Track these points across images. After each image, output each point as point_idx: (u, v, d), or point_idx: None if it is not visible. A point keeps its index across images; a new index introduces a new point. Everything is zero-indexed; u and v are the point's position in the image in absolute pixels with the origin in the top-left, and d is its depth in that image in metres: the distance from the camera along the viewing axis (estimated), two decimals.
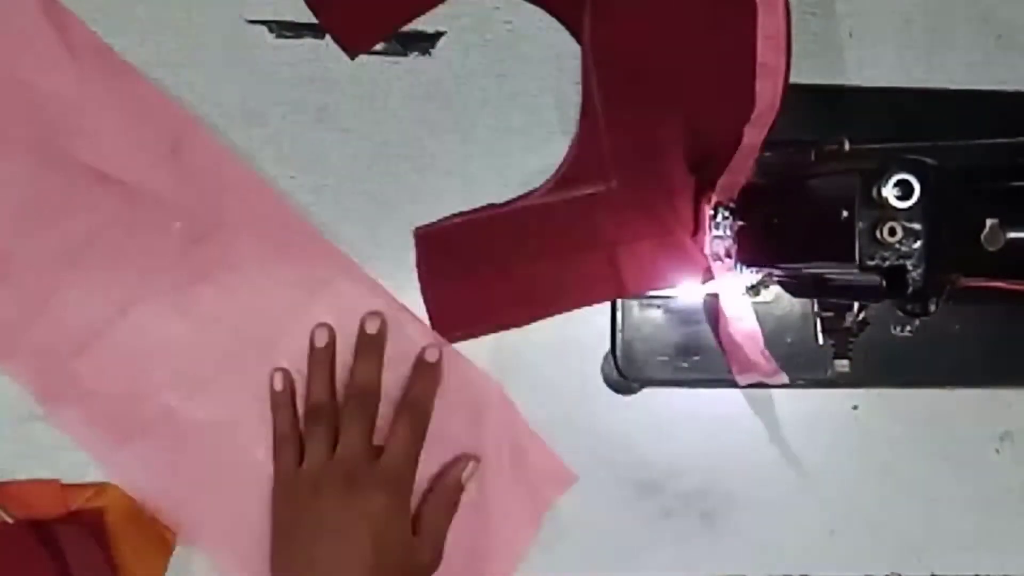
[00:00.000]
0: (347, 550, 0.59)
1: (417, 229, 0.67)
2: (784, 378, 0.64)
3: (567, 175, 0.67)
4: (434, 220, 0.67)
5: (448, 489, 0.65)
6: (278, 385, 0.65)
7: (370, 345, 0.65)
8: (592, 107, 0.67)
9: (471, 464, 0.65)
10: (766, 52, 0.62)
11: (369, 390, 0.64)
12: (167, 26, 0.66)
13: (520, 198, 0.67)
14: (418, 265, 0.67)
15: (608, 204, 0.66)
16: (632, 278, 0.67)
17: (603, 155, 0.66)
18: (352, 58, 0.67)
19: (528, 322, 0.67)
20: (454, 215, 0.67)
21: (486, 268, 0.66)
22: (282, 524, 0.63)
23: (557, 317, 0.68)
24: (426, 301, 0.67)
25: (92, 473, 0.65)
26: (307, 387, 0.65)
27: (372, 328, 0.65)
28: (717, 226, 0.66)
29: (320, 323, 0.65)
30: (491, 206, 0.67)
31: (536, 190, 0.67)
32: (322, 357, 0.65)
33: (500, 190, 0.67)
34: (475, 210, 0.67)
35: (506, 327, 0.67)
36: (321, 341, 0.65)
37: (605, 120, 0.66)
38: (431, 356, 0.66)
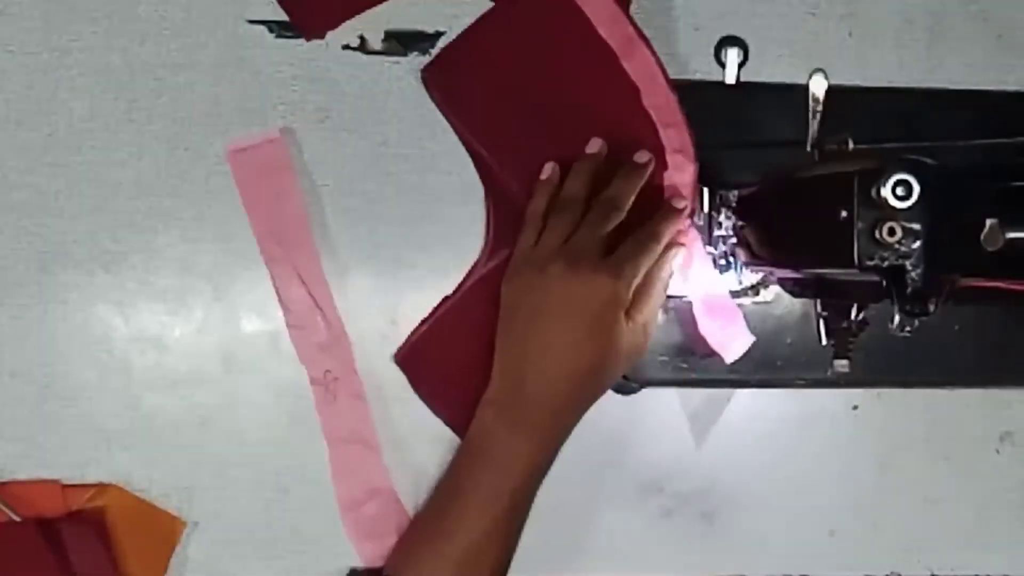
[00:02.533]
0: (561, 328, 0.60)
1: (396, 355, 0.67)
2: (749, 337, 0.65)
3: (497, 235, 0.67)
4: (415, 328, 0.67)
5: (661, 283, 0.64)
6: (546, 172, 0.65)
7: (633, 172, 0.65)
8: (484, 162, 0.66)
9: (672, 253, 0.64)
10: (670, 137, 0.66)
11: (617, 205, 0.63)
12: (167, 26, 0.66)
13: (465, 278, 0.67)
14: (417, 389, 0.67)
15: None
16: None
17: (517, 199, 0.66)
18: (308, 40, 0.66)
19: None
20: (419, 325, 0.67)
21: (474, 354, 0.66)
22: (507, 299, 0.63)
23: None
24: (439, 415, 0.67)
25: (92, 473, 0.65)
26: (564, 183, 0.65)
27: (642, 159, 0.65)
28: (719, 226, 0.66)
29: (598, 138, 0.65)
30: (445, 299, 0.67)
31: (477, 262, 0.67)
32: (588, 163, 0.65)
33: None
34: (434, 310, 0.67)
35: None
36: (594, 148, 0.65)
37: (500, 167, 0.66)
38: (678, 204, 0.65)
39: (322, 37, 0.67)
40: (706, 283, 0.66)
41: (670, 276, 0.65)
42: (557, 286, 0.61)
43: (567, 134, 0.66)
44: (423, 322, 0.67)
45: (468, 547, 0.59)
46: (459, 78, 0.66)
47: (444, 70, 0.66)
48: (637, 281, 0.61)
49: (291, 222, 0.66)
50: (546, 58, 0.66)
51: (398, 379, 0.67)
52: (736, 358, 0.66)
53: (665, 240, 0.63)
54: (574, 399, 0.62)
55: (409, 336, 0.67)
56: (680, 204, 0.65)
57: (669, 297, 0.67)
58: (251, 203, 0.66)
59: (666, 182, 0.66)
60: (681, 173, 0.66)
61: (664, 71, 0.66)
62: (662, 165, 0.66)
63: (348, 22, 0.67)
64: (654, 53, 0.66)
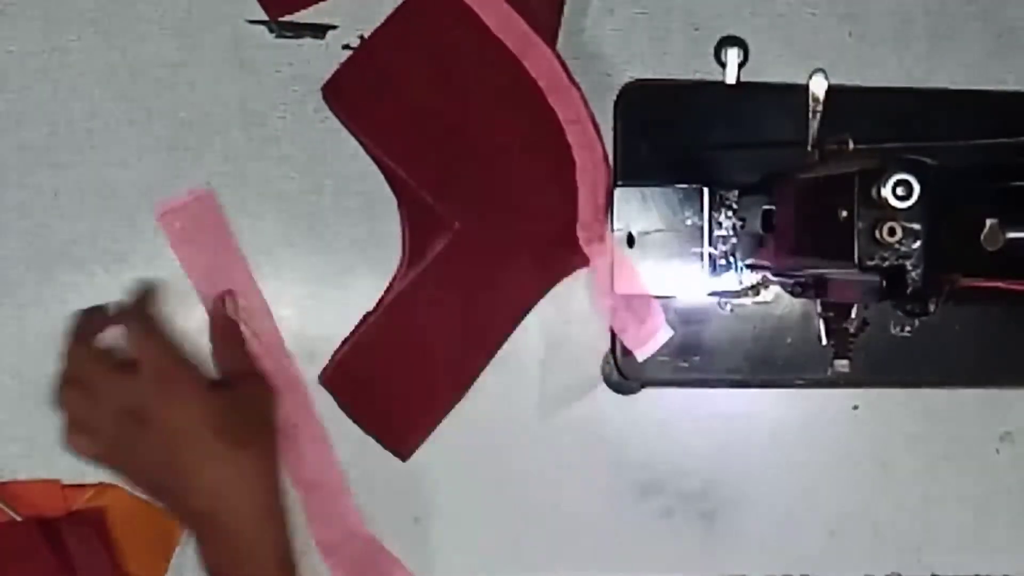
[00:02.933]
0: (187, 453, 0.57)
1: (320, 376, 0.66)
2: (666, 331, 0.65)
3: (412, 247, 0.66)
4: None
5: (225, 330, 0.64)
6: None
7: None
8: (393, 174, 0.66)
9: (229, 299, 0.64)
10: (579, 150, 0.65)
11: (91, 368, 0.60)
12: (167, 26, 0.66)
13: (385, 293, 0.66)
14: (345, 409, 0.66)
15: (465, 245, 0.65)
16: (532, 287, 0.67)
17: (429, 208, 0.65)
18: (272, 19, 0.66)
19: (464, 393, 0.67)
20: (341, 344, 0.66)
21: (400, 371, 0.66)
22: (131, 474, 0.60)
23: (556, 317, 0.68)
24: (370, 433, 0.67)
25: (92, 473, 0.65)
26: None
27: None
28: (719, 226, 0.66)
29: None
30: (367, 315, 0.66)
31: (395, 278, 0.66)
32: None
33: None
34: (355, 329, 0.66)
35: (452, 405, 0.67)
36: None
37: (410, 177, 0.65)
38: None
39: (289, 14, 0.66)
40: (622, 281, 0.65)
41: (229, 320, 0.64)
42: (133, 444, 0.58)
43: (473, 139, 0.65)
44: (344, 342, 0.66)
45: None
46: (360, 93, 0.66)
47: (344, 86, 0.66)
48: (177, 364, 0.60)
49: (232, 274, 0.66)
50: (444, 63, 0.65)
51: None
52: (649, 354, 0.66)
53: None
54: (259, 500, 0.59)
55: (332, 356, 0.67)
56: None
57: (669, 297, 0.67)
58: (188, 261, 0.66)
59: (579, 181, 0.65)
60: (590, 172, 0.65)
61: (566, 67, 0.65)
62: (570, 162, 0.65)
63: (350, 22, 0.67)
64: (553, 49, 0.65)
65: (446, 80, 0.65)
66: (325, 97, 0.66)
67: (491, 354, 0.67)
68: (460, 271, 0.66)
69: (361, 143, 0.66)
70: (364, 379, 0.67)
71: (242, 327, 0.65)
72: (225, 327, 0.65)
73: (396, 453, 0.67)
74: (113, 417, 0.58)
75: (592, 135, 0.65)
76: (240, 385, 0.62)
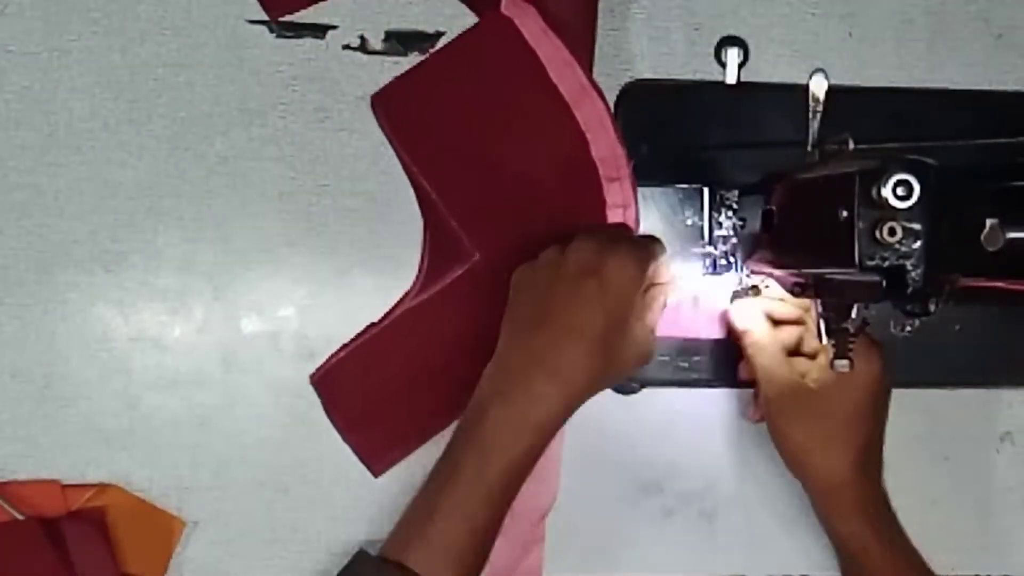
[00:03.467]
0: (573, 321, 0.58)
1: (312, 375, 0.66)
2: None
3: (430, 268, 0.66)
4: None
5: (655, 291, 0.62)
6: None
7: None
8: (425, 194, 0.66)
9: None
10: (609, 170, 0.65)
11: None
12: (167, 26, 0.66)
13: (395, 307, 0.66)
14: (328, 413, 0.66)
15: (481, 278, 0.65)
16: None
17: (454, 234, 0.65)
18: (272, 20, 0.66)
19: (449, 423, 0.65)
20: (340, 348, 0.66)
21: (392, 387, 0.66)
22: (522, 280, 0.61)
23: None
24: (349, 442, 0.66)
25: (92, 473, 0.65)
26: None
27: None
28: (719, 226, 0.66)
29: None
30: (371, 325, 0.66)
31: (407, 294, 0.66)
32: None
33: None
34: (358, 335, 0.66)
35: (436, 432, 0.66)
36: None
37: (441, 201, 0.65)
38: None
39: (289, 14, 0.66)
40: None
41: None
42: (576, 272, 0.58)
43: (510, 177, 0.65)
44: (344, 346, 0.66)
45: (465, 527, 0.57)
46: (408, 109, 0.66)
47: (394, 99, 0.66)
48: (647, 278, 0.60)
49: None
50: (497, 98, 0.65)
51: None
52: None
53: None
54: (574, 393, 0.59)
55: (329, 358, 0.66)
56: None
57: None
58: None
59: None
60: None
61: (614, 122, 0.65)
62: (601, 218, 0.65)
63: (350, 22, 0.67)
64: (606, 103, 0.65)
65: (495, 115, 0.65)
66: (373, 105, 0.66)
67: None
68: (470, 302, 0.65)
69: (400, 157, 0.66)
70: (355, 387, 0.66)
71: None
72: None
73: (369, 468, 0.67)
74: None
75: (629, 194, 0.65)
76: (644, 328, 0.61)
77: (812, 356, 0.64)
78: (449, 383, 0.65)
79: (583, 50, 0.66)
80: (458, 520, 0.57)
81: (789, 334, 0.64)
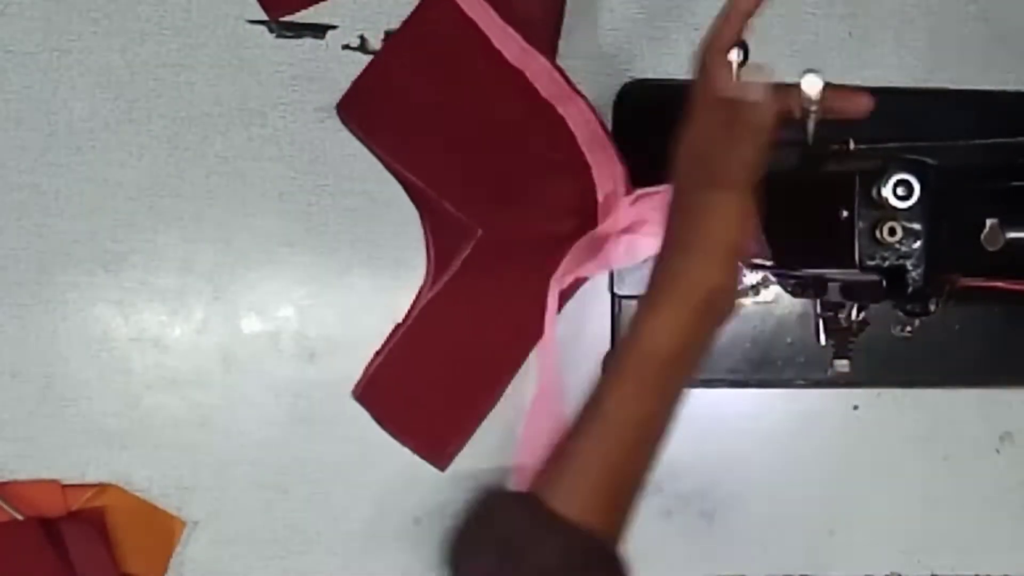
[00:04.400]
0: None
1: (354, 391, 0.66)
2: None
3: (438, 257, 0.66)
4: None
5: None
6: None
7: None
8: (413, 185, 0.66)
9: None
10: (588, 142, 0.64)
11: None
12: (167, 26, 0.66)
13: (412, 305, 0.66)
14: (380, 422, 0.66)
15: (490, 251, 0.65)
16: (559, 291, 0.66)
17: (451, 217, 0.65)
18: (272, 20, 0.66)
19: (498, 398, 0.67)
20: (373, 358, 0.66)
21: (435, 381, 0.66)
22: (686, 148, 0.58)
23: (556, 318, 0.68)
24: (408, 446, 0.67)
25: (92, 473, 0.65)
26: None
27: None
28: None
29: None
30: (397, 326, 0.66)
31: (422, 289, 0.66)
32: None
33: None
34: (386, 341, 0.66)
35: (488, 410, 0.67)
36: None
37: (429, 187, 0.65)
38: None
39: (289, 14, 0.66)
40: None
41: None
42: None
43: (486, 145, 0.65)
44: (377, 354, 0.66)
45: (608, 458, 0.53)
46: (374, 107, 0.65)
47: (358, 101, 0.66)
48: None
49: None
50: (453, 73, 0.65)
51: None
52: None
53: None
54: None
55: (365, 370, 0.66)
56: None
57: None
58: None
59: (596, 180, 0.65)
60: (607, 181, 0.65)
61: (566, 76, 0.65)
62: (572, 142, 0.65)
63: (350, 22, 0.67)
64: (553, 61, 0.65)
65: (457, 90, 0.65)
66: (340, 115, 0.66)
67: (523, 357, 0.67)
68: (487, 277, 0.65)
69: (379, 157, 0.66)
70: (398, 391, 0.66)
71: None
72: None
73: (434, 463, 0.67)
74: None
75: (602, 135, 0.65)
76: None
77: None
78: (489, 359, 0.66)
79: (547, 39, 0.66)
80: (601, 454, 0.53)
81: None
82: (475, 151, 0.65)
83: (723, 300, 0.53)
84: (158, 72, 0.66)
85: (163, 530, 0.66)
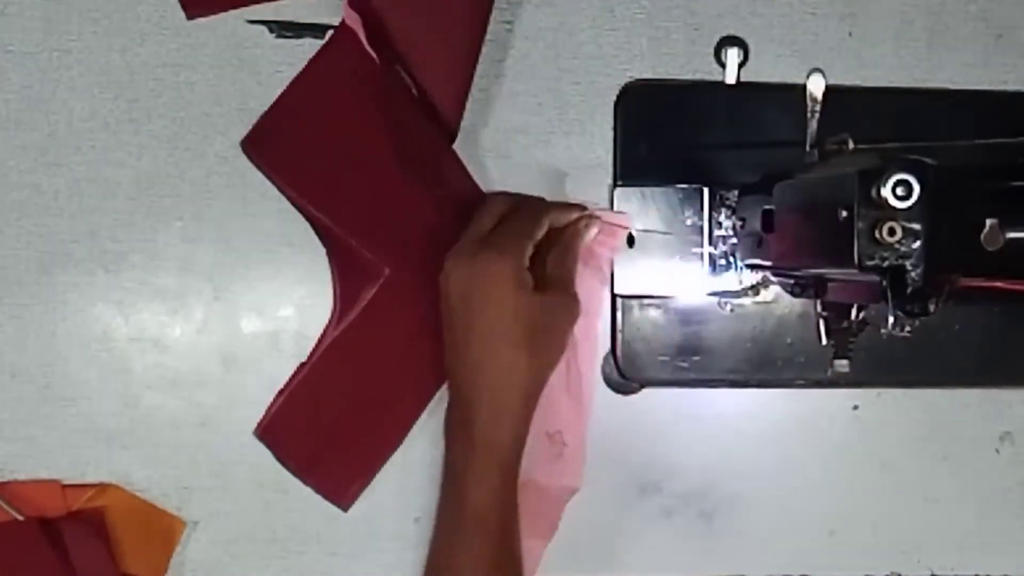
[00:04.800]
0: (480, 329, 0.60)
1: (256, 430, 0.66)
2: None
3: (343, 294, 0.65)
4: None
5: (568, 239, 0.65)
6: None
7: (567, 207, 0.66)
8: (320, 223, 0.65)
9: (587, 218, 0.65)
10: None
11: (538, 216, 0.63)
12: (167, 26, 0.66)
13: (319, 342, 0.66)
14: (282, 461, 0.66)
15: (397, 290, 0.64)
16: None
17: (358, 255, 0.64)
18: (189, 19, 0.65)
19: (403, 438, 0.67)
20: (276, 396, 0.66)
21: (339, 420, 0.65)
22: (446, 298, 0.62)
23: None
24: (309, 484, 0.66)
25: (92, 473, 0.65)
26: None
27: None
28: (719, 226, 0.66)
29: None
30: (301, 365, 0.66)
31: (328, 326, 0.66)
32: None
33: (500, 189, 0.67)
34: (289, 379, 0.66)
35: (393, 450, 0.67)
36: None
37: (336, 225, 0.64)
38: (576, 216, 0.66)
39: (204, 16, 0.66)
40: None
41: (577, 233, 0.65)
42: (461, 286, 0.60)
43: (393, 181, 0.64)
44: (279, 393, 0.66)
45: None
46: (281, 144, 0.64)
47: (264, 137, 0.64)
48: (528, 253, 0.61)
49: None
50: (358, 108, 0.64)
51: None
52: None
53: (547, 218, 0.63)
54: (520, 396, 0.60)
55: (268, 409, 0.66)
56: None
57: (669, 297, 0.67)
58: None
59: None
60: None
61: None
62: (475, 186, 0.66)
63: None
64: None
65: (364, 127, 0.64)
66: (244, 150, 0.64)
67: (429, 398, 0.66)
68: (393, 316, 0.65)
69: (284, 194, 0.64)
70: (300, 430, 0.66)
71: (580, 240, 0.65)
72: (570, 234, 0.65)
73: (336, 503, 0.66)
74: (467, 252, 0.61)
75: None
76: (554, 293, 0.62)
77: None
78: (394, 399, 0.65)
79: (469, 50, 0.66)
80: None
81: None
82: (383, 188, 0.64)
83: (517, 449, 0.61)
84: (158, 72, 0.66)
85: (163, 530, 0.66)
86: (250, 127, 0.65)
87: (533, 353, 0.60)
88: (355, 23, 0.63)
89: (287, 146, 0.64)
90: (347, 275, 0.65)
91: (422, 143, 0.65)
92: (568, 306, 0.63)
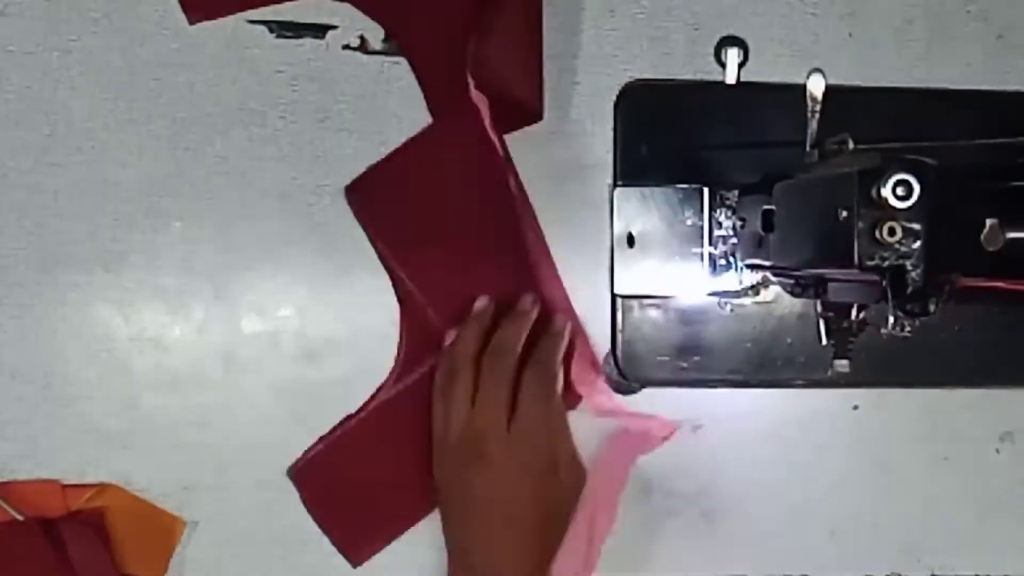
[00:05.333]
0: (498, 525, 0.61)
1: (290, 469, 0.66)
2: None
3: (408, 355, 0.66)
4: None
5: (560, 415, 0.66)
6: (479, 306, 0.66)
7: (519, 316, 0.65)
8: (401, 283, 0.66)
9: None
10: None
11: (509, 351, 0.64)
12: (167, 26, 0.66)
13: (371, 397, 0.66)
14: (307, 505, 0.66)
15: None
16: None
17: (431, 323, 0.66)
18: (190, 23, 0.66)
19: (428, 512, 0.67)
20: (317, 440, 0.66)
21: (372, 478, 0.66)
22: (439, 490, 0.64)
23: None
24: (328, 534, 0.67)
25: (92, 473, 0.65)
26: (454, 343, 0.65)
27: (526, 305, 0.66)
28: (719, 226, 0.66)
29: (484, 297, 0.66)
30: (349, 417, 0.66)
31: (384, 383, 0.67)
32: (477, 320, 0.65)
33: None
34: (335, 428, 0.66)
35: (417, 520, 0.67)
36: (481, 305, 0.66)
37: (417, 290, 0.66)
38: (558, 323, 0.66)
39: (205, 20, 0.66)
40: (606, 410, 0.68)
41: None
42: (478, 484, 0.62)
43: (482, 267, 0.66)
44: (321, 439, 0.66)
45: None
46: (382, 199, 0.66)
47: (367, 189, 0.66)
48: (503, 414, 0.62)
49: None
50: (469, 193, 0.66)
51: None
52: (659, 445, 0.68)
53: (557, 369, 0.65)
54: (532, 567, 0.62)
55: (306, 451, 0.66)
56: (559, 323, 0.66)
57: (669, 297, 0.67)
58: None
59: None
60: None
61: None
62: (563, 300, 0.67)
63: (350, 22, 0.67)
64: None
65: (463, 205, 0.66)
66: (347, 195, 0.66)
67: None
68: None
69: (375, 246, 0.66)
70: (333, 479, 0.66)
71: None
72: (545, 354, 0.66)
73: (348, 559, 0.67)
74: (461, 436, 0.63)
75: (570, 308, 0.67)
76: (568, 476, 0.64)
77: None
78: (427, 471, 0.65)
79: (534, 72, 0.67)
80: None
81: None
82: (470, 269, 0.66)
83: None
84: (158, 72, 0.66)
85: (163, 530, 0.66)
86: (250, 127, 0.65)
87: (541, 546, 0.62)
88: (481, 103, 0.63)
89: (387, 202, 0.66)
90: (415, 336, 0.67)
91: (517, 237, 0.66)
92: (577, 486, 0.65)
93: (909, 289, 0.52)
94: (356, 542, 0.67)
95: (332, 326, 0.67)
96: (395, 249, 0.66)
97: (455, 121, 0.65)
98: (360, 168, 0.67)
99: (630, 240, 0.67)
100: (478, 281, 0.66)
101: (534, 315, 0.66)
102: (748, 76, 0.69)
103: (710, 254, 0.67)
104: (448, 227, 0.66)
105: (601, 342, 0.68)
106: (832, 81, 0.64)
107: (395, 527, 0.67)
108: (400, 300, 0.67)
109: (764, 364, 0.68)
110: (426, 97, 0.67)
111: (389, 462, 0.66)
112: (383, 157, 0.66)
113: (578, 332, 0.67)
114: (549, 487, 0.63)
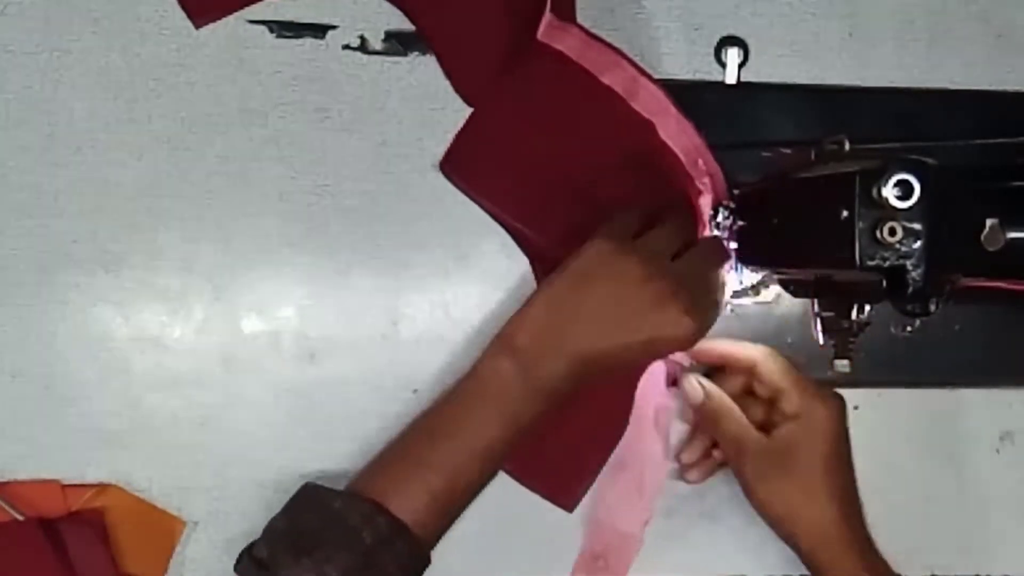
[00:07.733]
0: (608, 303, 0.59)
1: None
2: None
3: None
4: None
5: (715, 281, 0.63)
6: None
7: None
8: (521, 235, 0.66)
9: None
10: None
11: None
12: (167, 26, 0.66)
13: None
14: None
15: None
16: None
17: (560, 262, 0.64)
18: (196, 27, 0.66)
19: (620, 438, 0.68)
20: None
21: (560, 427, 0.65)
22: (566, 261, 0.61)
23: None
24: (536, 490, 0.68)
25: (92, 473, 0.65)
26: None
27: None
28: (718, 226, 0.66)
29: None
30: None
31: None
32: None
33: None
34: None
35: (610, 454, 0.68)
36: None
37: (538, 236, 0.66)
38: None
39: (211, 22, 0.66)
40: None
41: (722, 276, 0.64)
42: (612, 260, 0.59)
43: (596, 189, 0.65)
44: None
45: (453, 481, 0.58)
46: (476, 160, 0.66)
47: (460, 156, 0.66)
48: (667, 261, 0.60)
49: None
50: (559, 119, 0.66)
51: (400, 380, 0.67)
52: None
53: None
54: (596, 372, 0.60)
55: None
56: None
57: None
58: None
59: (700, 206, 0.65)
60: (706, 196, 0.66)
61: (669, 97, 0.65)
62: (695, 191, 0.65)
63: (350, 22, 0.67)
64: (657, 84, 0.65)
65: (560, 134, 0.66)
66: (443, 171, 0.66)
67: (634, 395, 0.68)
68: None
69: (484, 209, 0.67)
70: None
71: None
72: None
73: (562, 506, 0.68)
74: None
75: (709, 158, 0.65)
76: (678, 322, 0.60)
77: (768, 400, 0.64)
78: (605, 400, 0.66)
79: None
80: (450, 475, 0.57)
81: (733, 386, 0.65)
82: (584, 196, 0.65)
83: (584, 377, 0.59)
84: (158, 72, 0.66)
85: (163, 530, 0.66)
86: (250, 127, 0.65)
87: (635, 353, 0.60)
88: (559, 35, 0.63)
89: (482, 163, 0.66)
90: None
91: (622, 140, 0.65)
92: (712, 314, 0.62)
93: (910, 289, 0.52)
94: (564, 489, 0.67)
95: (332, 326, 0.67)
96: (504, 205, 0.66)
97: (530, 61, 0.65)
98: (360, 168, 0.67)
99: None
100: (591, 204, 0.65)
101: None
102: (748, 76, 0.69)
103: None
104: (546, 163, 0.65)
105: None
106: (832, 81, 0.64)
107: (594, 463, 0.68)
108: (525, 252, 0.67)
109: None
110: (452, 77, 0.67)
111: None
112: (465, 121, 0.66)
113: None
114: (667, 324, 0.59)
